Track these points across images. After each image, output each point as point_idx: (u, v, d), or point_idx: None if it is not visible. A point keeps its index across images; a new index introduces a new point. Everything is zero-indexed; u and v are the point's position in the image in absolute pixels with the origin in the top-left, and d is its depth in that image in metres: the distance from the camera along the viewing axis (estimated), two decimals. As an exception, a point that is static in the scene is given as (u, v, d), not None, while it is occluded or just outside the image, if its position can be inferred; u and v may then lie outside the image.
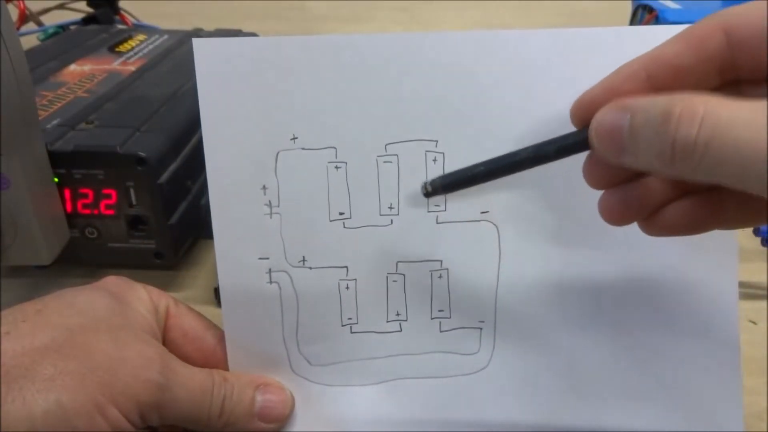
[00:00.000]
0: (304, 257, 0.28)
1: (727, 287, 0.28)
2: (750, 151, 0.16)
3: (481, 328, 0.29)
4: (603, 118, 0.21)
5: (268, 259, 0.28)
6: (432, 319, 0.29)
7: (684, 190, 0.23)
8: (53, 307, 0.24)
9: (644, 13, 0.71)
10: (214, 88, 0.27)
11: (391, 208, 0.28)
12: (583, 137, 0.22)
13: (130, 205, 0.38)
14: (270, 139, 0.27)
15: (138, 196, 0.38)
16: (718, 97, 0.18)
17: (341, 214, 0.28)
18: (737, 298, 0.28)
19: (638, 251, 0.28)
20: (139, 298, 0.27)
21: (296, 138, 0.27)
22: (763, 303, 0.39)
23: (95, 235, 0.39)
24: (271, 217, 0.28)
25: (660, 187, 0.23)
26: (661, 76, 0.21)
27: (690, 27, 0.21)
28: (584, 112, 0.22)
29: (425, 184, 0.26)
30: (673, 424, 0.28)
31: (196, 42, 0.26)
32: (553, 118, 0.25)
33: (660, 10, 0.67)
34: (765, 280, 0.40)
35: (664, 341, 0.28)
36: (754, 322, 0.37)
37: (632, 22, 0.75)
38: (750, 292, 0.39)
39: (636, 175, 0.23)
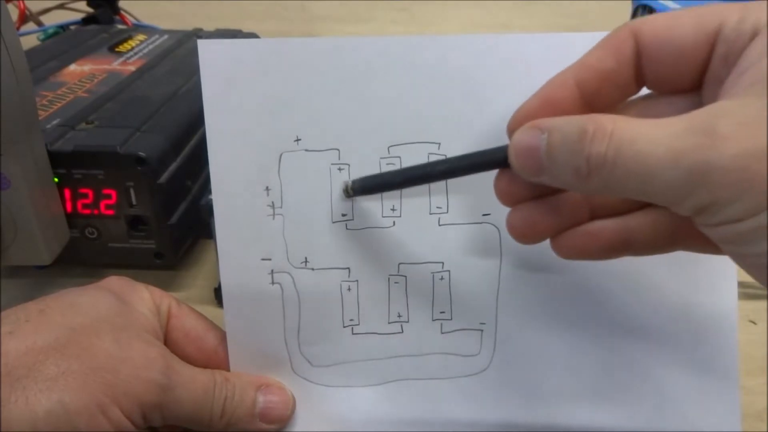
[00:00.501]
0: (306, 258, 0.28)
1: (727, 287, 0.28)
2: (651, 162, 0.18)
3: (482, 330, 0.29)
4: (521, 138, 0.21)
5: (270, 260, 0.28)
6: (433, 320, 0.29)
7: (594, 213, 0.24)
8: (56, 307, 0.24)
9: (644, 13, 0.71)
10: (218, 89, 0.27)
11: (393, 209, 0.28)
12: (501, 155, 0.23)
13: (130, 205, 0.38)
14: (273, 140, 0.27)
15: (138, 196, 0.38)
16: (625, 117, 0.19)
17: (343, 215, 0.28)
18: (736, 298, 0.28)
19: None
20: (142, 298, 0.27)
21: (299, 139, 0.27)
22: (763, 303, 0.39)
23: (95, 235, 0.39)
24: (273, 218, 0.28)
25: (568, 208, 0.23)
26: (588, 82, 0.22)
27: (609, 33, 0.22)
28: (519, 126, 0.22)
29: (347, 185, 0.27)
30: (671, 425, 0.28)
31: (201, 43, 0.26)
32: None
33: (660, 10, 0.67)
34: (765, 287, 0.40)
35: (663, 342, 0.28)
36: (754, 322, 0.37)
37: (632, 22, 0.75)
38: (750, 292, 0.39)
39: (546, 195, 0.23)
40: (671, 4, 0.68)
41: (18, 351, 0.22)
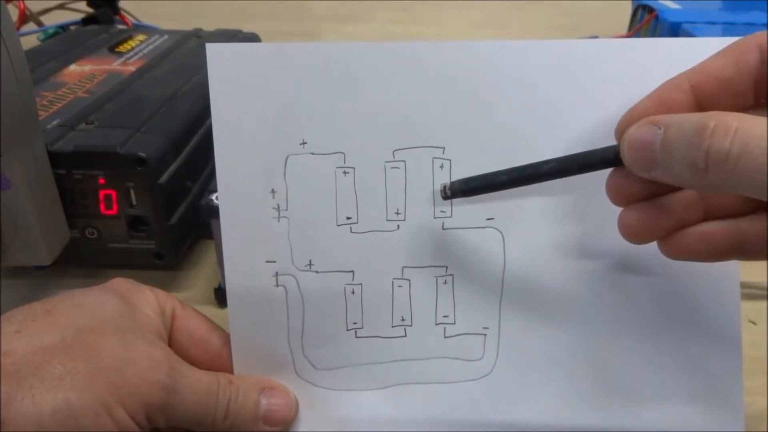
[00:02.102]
0: (310, 261, 0.28)
1: (729, 287, 0.28)
2: None
3: (485, 335, 0.29)
4: (635, 132, 0.22)
5: (275, 262, 0.28)
6: (437, 324, 0.29)
7: (705, 215, 0.24)
8: (62, 308, 0.24)
9: (644, 13, 0.71)
10: (226, 92, 0.27)
11: (397, 213, 0.28)
12: (612, 153, 0.23)
13: (130, 206, 0.38)
14: (280, 143, 0.27)
15: (138, 196, 0.38)
16: (749, 115, 0.19)
17: (348, 218, 0.28)
18: (739, 299, 0.28)
19: (641, 257, 0.28)
20: (146, 300, 0.28)
21: (305, 143, 0.27)
22: (763, 303, 0.39)
23: (95, 236, 0.39)
24: (279, 221, 0.28)
25: (681, 209, 0.23)
26: (704, 87, 0.22)
27: (733, 42, 0.23)
28: (630, 125, 0.22)
29: (444, 186, 0.27)
30: (674, 424, 0.28)
31: (210, 46, 0.27)
32: (557, 127, 0.25)
33: (660, 10, 0.67)
34: (765, 280, 0.40)
35: (666, 343, 0.28)
36: (754, 322, 0.37)
37: (632, 22, 0.75)
38: (750, 292, 0.39)
39: (658, 195, 0.23)
40: (671, 5, 0.68)
41: (24, 350, 0.22)
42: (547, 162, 0.24)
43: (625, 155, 0.22)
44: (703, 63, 0.23)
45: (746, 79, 0.22)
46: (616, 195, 0.24)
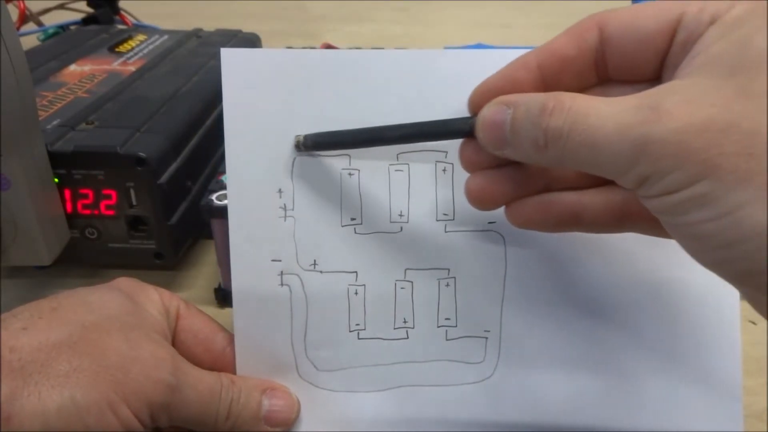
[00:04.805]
0: (315, 261, 0.28)
1: (729, 287, 0.28)
2: (599, 135, 0.19)
3: (486, 338, 0.29)
4: (488, 112, 0.22)
5: (280, 261, 0.28)
6: (438, 327, 0.29)
7: (549, 186, 0.24)
8: (68, 305, 0.25)
9: (644, 13, 0.71)
10: (238, 94, 0.28)
11: (401, 215, 0.28)
12: (468, 125, 0.23)
13: (130, 206, 0.38)
14: (288, 144, 0.28)
15: (138, 196, 0.38)
16: (585, 95, 0.20)
17: (353, 219, 0.28)
18: (738, 298, 0.28)
19: (641, 258, 0.28)
20: (151, 299, 0.28)
21: None
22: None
23: (95, 236, 0.39)
24: (285, 220, 0.28)
25: (524, 178, 0.24)
26: (549, 66, 0.23)
27: (575, 23, 0.23)
28: (480, 100, 0.23)
29: (298, 140, 0.27)
30: (674, 425, 0.28)
31: (224, 52, 0.28)
32: None
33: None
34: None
35: (666, 344, 0.28)
36: (754, 322, 0.37)
37: (632, 22, 0.75)
38: (750, 292, 0.39)
39: (506, 164, 0.24)
40: (671, 4, 0.68)
41: (31, 347, 0.22)
42: (401, 126, 0.25)
43: (480, 134, 0.23)
44: (548, 42, 0.23)
45: (587, 58, 0.23)
46: (468, 163, 0.25)
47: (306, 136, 0.27)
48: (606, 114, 0.19)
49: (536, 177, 0.24)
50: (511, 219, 0.25)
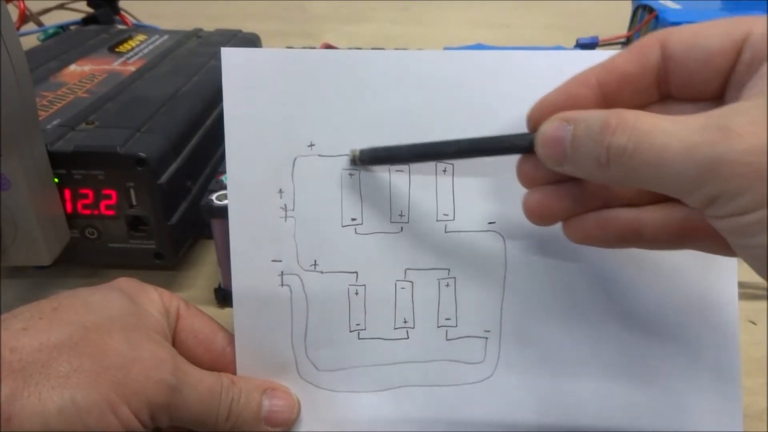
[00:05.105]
0: (315, 261, 0.28)
1: (727, 287, 0.28)
2: (666, 154, 0.19)
3: (486, 338, 0.29)
4: (548, 128, 0.22)
5: (281, 261, 0.28)
6: (438, 327, 0.29)
7: (608, 202, 0.24)
8: (69, 305, 0.25)
9: (644, 13, 0.71)
10: (238, 94, 0.28)
11: (401, 215, 0.28)
12: (525, 142, 0.23)
13: (130, 206, 0.38)
14: (288, 144, 0.28)
15: (138, 196, 0.38)
16: (648, 113, 0.20)
17: (353, 219, 0.28)
18: (737, 298, 0.28)
19: (641, 259, 0.28)
20: (151, 299, 0.28)
21: (313, 145, 0.28)
22: (763, 303, 0.39)
23: (95, 236, 0.39)
24: (285, 221, 0.28)
25: (583, 194, 0.24)
26: (609, 83, 0.23)
27: (637, 41, 0.23)
28: (540, 115, 0.23)
29: (354, 154, 0.27)
30: (673, 425, 0.28)
31: (225, 51, 0.28)
32: None
33: (660, 10, 0.67)
34: (765, 280, 0.40)
35: (665, 345, 0.28)
36: (754, 323, 0.37)
37: (632, 22, 0.75)
38: (750, 292, 0.39)
39: (564, 180, 0.24)
40: (671, 5, 0.68)
41: (32, 347, 0.22)
42: (458, 141, 0.25)
43: (539, 149, 0.23)
44: (609, 59, 0.23)
45: (648, 75, 0.23)
46: (526, 179, 0.25)
47: (362, 151, 0.27)
48: (672, 133, 0.19)
49: (595, 193, 0.24)
50: (569, 235, 0.25)
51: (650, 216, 0.24)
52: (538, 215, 0.25)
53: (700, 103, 0.23)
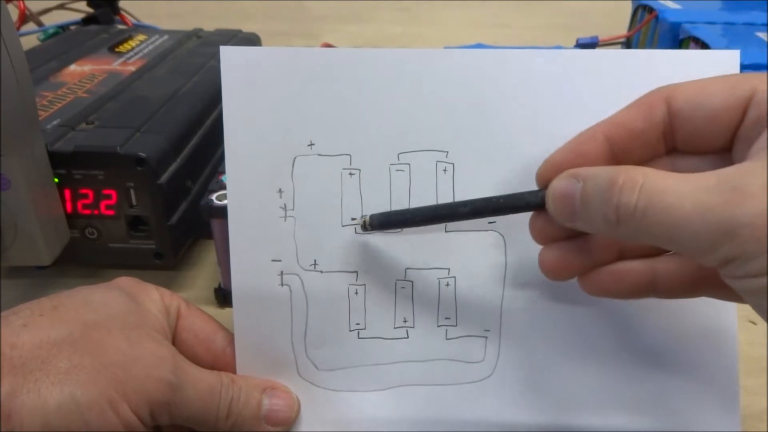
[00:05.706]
0: (315, 261, 0.28)
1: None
2: (679, 215, 0.19)
3: (486, 337, 0.29)
4: (558, 185, 0.23)
5: (280, 261, 0.28)
6: (438, 326, 0.29)
7: (621, 254, 0.25)
8: (69, 303, 0.25)
9: (644, 13, 0.71)
10: (237, 93, 0.28)
11: None
12: (538, 199, 0.24)
13: (130, 206, 0.38)
14: (288, 144, 0.28)
15: (138, 196, 0.38)
16: (655, 170, 0.20)
17: (353, 219, 0.28)
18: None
19: None
20: (152, 298, 0.28)
21: (313, 144, 0.28)
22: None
23: (95, 236, 0.39)
24: (285, 220, 0.28)
25: (597, 249, 0.25)
26: (617, 139, 0.23)
27: (642, 96, 0.23)
28: (549, 172, 0.24)
29: (365, 220, 0.27)
30: (671, 425, 0.28)
31: (224, 50, 0.27)
32: (556, 136, 0.25)
33: (660, 10, 0.67)
34: None
35: (664, 344, 0.28)
36: (753, 322, 0.37)
37: (632, 22, 0.75)
38: (750, 292, 0.39)
39: (577, 235, 0.24)
40: (671, 5, 0.68)
41: (32, 344, 0.22)
42: (464, 204, 0.25)
43: (550, 206, 0.23)
44: (615, 114, 0.24)
45: (655, 130, 0.23)
46: (539, 235, 0.25)
47: (372, 216, 0.27)
48: (684, 192, 0.19)
49: (609, 247, 0.25)
50: (585, 288, 0.25)
51: (664, 266, 0.24)
52: (553, 272, 0.25)
53: (707, 156, 0.23)
